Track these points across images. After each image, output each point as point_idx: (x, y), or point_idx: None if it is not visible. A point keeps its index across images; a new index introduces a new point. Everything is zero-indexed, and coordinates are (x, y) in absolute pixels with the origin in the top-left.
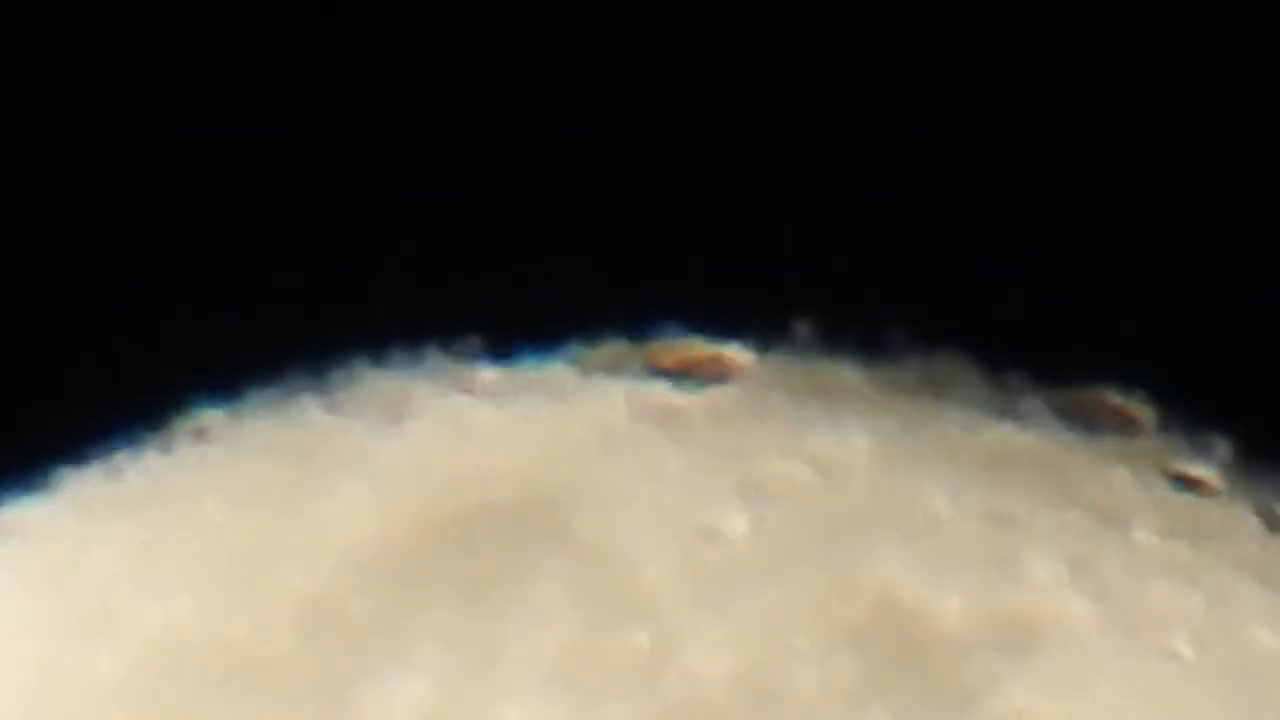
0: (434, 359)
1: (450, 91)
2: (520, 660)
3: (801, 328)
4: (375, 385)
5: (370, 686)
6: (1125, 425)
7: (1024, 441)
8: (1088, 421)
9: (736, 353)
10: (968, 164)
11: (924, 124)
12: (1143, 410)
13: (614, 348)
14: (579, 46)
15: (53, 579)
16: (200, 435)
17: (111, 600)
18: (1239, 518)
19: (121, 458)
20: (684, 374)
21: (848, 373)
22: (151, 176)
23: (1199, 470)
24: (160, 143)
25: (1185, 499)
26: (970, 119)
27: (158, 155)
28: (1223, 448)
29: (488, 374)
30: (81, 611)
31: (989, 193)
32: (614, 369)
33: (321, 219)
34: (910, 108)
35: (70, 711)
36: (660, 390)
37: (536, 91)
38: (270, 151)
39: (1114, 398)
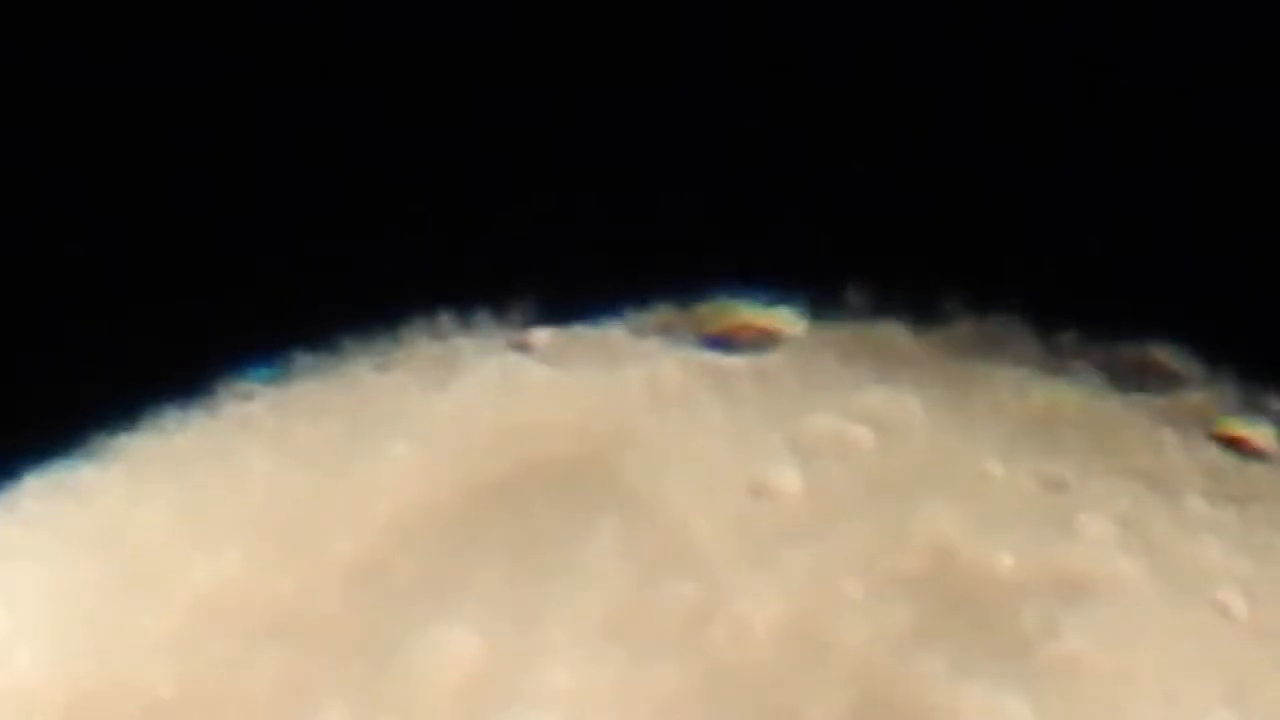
0: (486, 322)
1: (511, 57)
2: (569, 616)
3: (854, 294)
4: (425, 347)
5: (418, 644)
6: (1174, 384)
7: (1074, 401)
8: (1137, 381)
9: (788, 317)
10: (1016, 127)
11: (972, 89)
12: (1191, 369)
13: (666, 313)
14: (636, 21)
15: (103, 539)
16: (249, 396)
17: (161, 559)
18: None
19: (171, 419)
20: (736, 338)
21: (899, 336)
22: (197, 142)
23: (1247, 429)
24: (211, 111)
25: (1233, 457)
26: (1019, 83)
27: (207, 123)
28: (1272, 405)
29: (539, 336)
30: (131, 571)
31: (1037, 155)
32: (666, 333)
33: (376, 182)
34: (960, 73)
35: (120, 668)
36: (712, 352)
37: (593, 58)
38: (323, 114)
39: (1163, 357)
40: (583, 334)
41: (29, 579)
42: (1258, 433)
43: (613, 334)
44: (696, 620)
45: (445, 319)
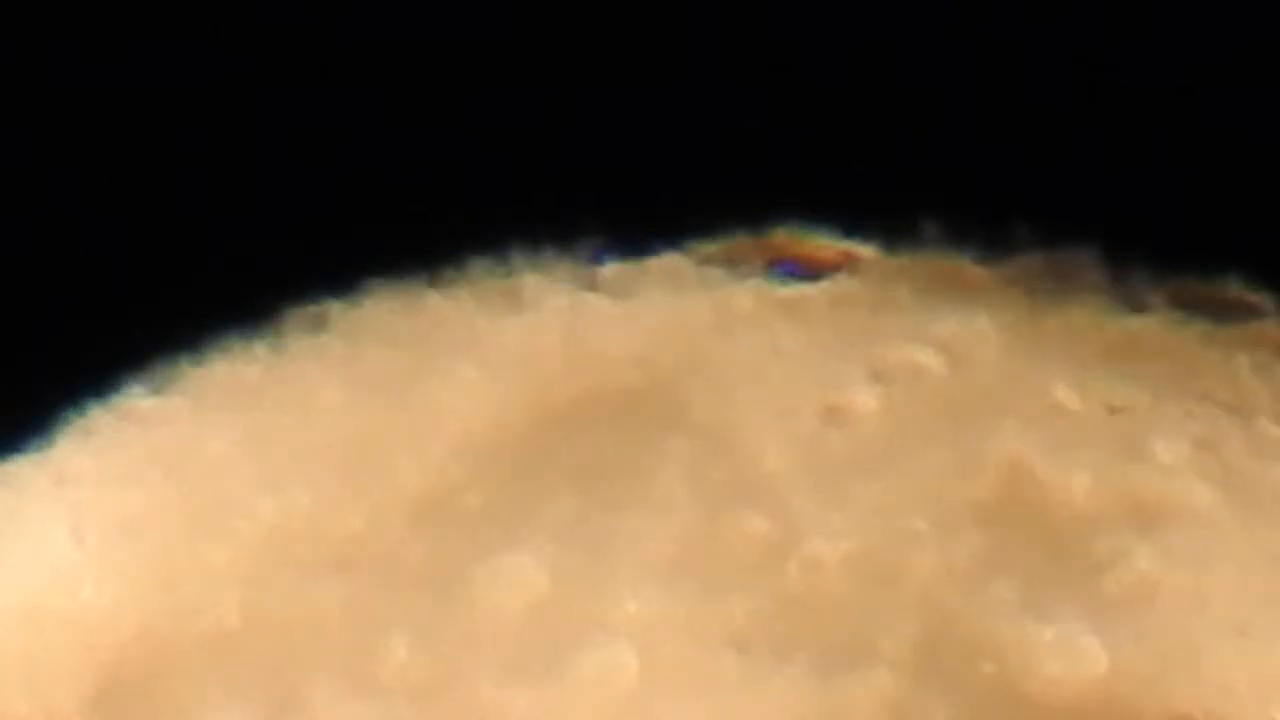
0: (553, 250)
1: (511, 57)
2: (638, 548)
3: (928, 226)
4: (493, 275)
5: (485, 575)
6: (1249, 315)
7: (1147, 330)
8: (1211, 311)
9: (861, 248)
10: (1090, 59)
11: (1049, 23)
12: (1267, 301)
13: (736, 242)
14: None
15: (168, 469)
16: (316, 323)
17: (227, 490)
18: None
19: (236, 347)
20: (807, 266)
21: (972, 265)
22: (280, 78)
23: None
24: (295, 53)
25: None
26: (1091, 20)
27: (296, 63)
28: None
29: (606, 267)
30: (197, 502)
31: (1111, 87)
32: (735, 262)
33: (445, 114)
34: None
35: (185, 601)
36: (782, 281)
37: (593, 58)
38: (390, 54)
39: (1236, 287)
40: (651, 264)
41: (95, 508)
42: None
43: (681, 264)
44: (768, 551)
45: (513, 249)
